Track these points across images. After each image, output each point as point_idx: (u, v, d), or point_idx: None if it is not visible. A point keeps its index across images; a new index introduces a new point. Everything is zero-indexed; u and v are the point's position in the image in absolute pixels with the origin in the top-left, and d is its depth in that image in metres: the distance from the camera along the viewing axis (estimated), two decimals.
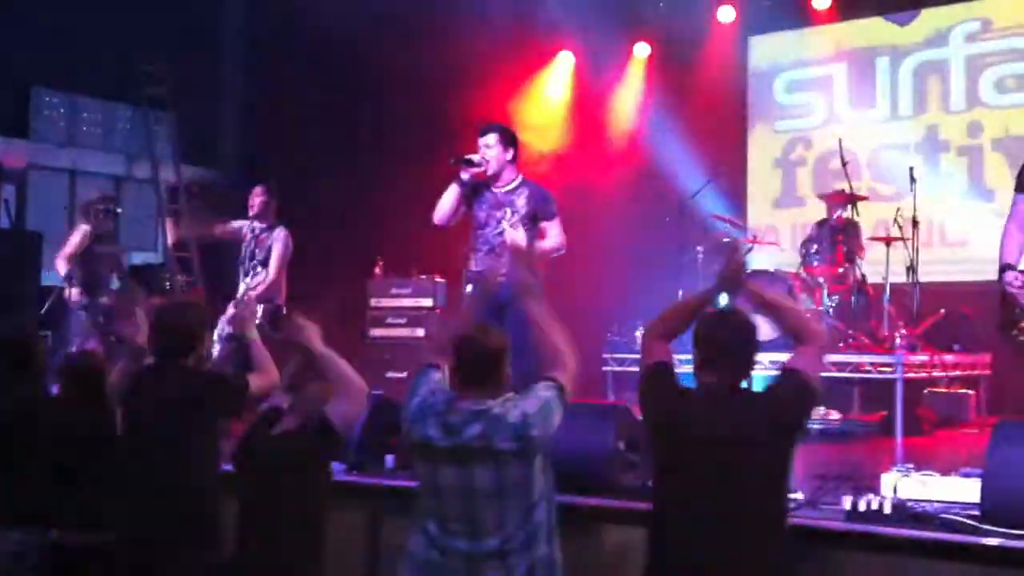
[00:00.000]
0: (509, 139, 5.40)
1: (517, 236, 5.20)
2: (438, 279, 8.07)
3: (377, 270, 8.41)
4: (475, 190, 5.40)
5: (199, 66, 10.19)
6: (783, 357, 3.39)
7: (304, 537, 3.54)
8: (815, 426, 6.41)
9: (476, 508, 3.16)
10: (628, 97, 10.30)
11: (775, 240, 8.98)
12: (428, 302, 8.07)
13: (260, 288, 6.54)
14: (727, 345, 3.22)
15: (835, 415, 7.24)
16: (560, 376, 3.36)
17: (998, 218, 8.52)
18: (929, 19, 9.26)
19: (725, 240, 7.80)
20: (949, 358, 7.40)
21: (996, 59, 8.95)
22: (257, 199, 6.70)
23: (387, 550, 3.61)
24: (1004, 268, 4.43)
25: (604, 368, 7.82)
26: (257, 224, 6.71)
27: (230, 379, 3.96)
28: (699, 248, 8.00)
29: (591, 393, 7.08)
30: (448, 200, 5.40)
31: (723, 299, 3.73)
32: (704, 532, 3.07)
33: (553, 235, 5.39)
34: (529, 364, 4.19)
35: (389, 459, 4.94)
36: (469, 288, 5.37)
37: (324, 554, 3.59)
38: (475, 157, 5.34)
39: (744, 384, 3.29)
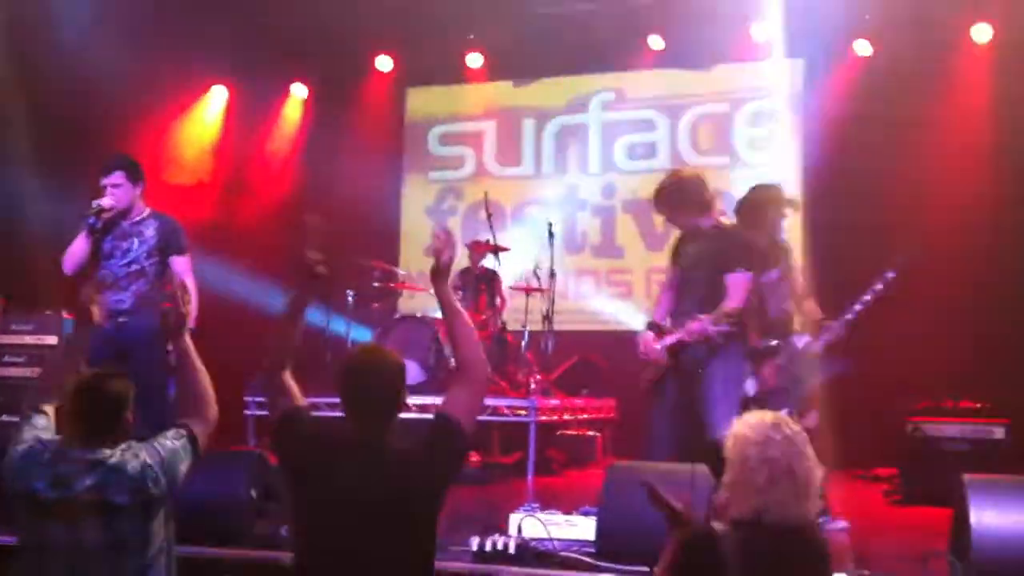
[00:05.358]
0: (136, 174, 5.30)
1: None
2: (66, 315, 7.45)
3: None
4: (107, 228, 5.18)
5: None
6: (430, 400, 3.27)
7: None
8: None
9: (84, 567, 2.92)
10: (283, 136, 10.17)
11: (426, 287, 9.17)
12: (52, 339, 7.41)
13: None
14: (371, 391, 2.96)
15: (475, 457, 7.46)
16: (194, 424, 3.19)
17: (626, 273, 9.35)
18: (571, 86, 9.93)
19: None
20: (578, 402, 7.91)
21: (627, 128, 9.75)
22: None
23: None
24: (650, 325, 4.89)
25: (246, 412, 7.55)
26: None
27: None
28: (348, 291, 8.04)
29: (232, 440, 6.82)
30: (78, 249, 5.19)
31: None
32: None
33: (183, 270, 5.22)
34: (158, 410, 3.96)
35: None
36: None
37: None
38: (105, 202, 5.16)
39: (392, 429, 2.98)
